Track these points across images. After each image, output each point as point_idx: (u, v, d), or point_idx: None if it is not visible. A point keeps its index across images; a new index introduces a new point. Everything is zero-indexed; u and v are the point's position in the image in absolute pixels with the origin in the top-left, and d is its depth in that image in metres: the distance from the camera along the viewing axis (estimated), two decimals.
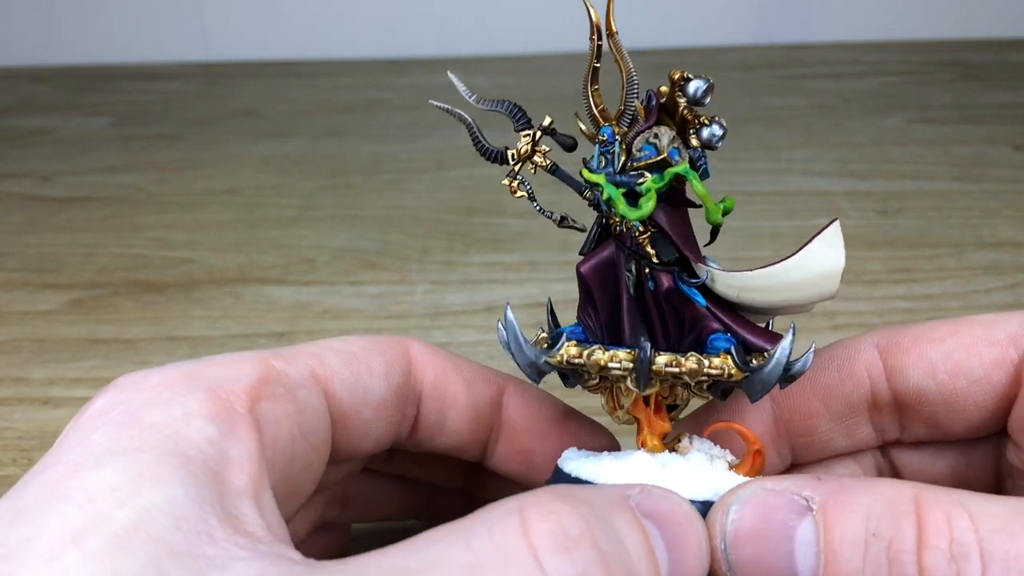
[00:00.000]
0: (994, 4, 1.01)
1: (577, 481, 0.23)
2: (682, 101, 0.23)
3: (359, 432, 0.25)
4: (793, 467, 0.27)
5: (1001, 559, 0.17)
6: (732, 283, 0.24)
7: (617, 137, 0.24)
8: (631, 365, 0.24)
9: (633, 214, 0.22)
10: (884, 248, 0.54)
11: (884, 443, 0.27)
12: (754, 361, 0.24)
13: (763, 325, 0.25)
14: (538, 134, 0.25)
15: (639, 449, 0.25)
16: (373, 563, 0.17)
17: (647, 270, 0.24)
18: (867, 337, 0.26)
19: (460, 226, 0.60)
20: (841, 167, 0.68)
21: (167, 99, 0.93)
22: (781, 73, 0.93)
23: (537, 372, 0.25)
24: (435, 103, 0.25)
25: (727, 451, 0.25)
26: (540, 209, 0.25)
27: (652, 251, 0.24)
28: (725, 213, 0.24)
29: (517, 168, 0.25)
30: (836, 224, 0.23)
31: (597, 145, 0.24)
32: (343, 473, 0.27)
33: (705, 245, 0.25)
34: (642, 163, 0.23)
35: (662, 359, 0.24)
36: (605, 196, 0.23)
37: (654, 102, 0.23)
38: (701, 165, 0.23)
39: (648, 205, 0.22)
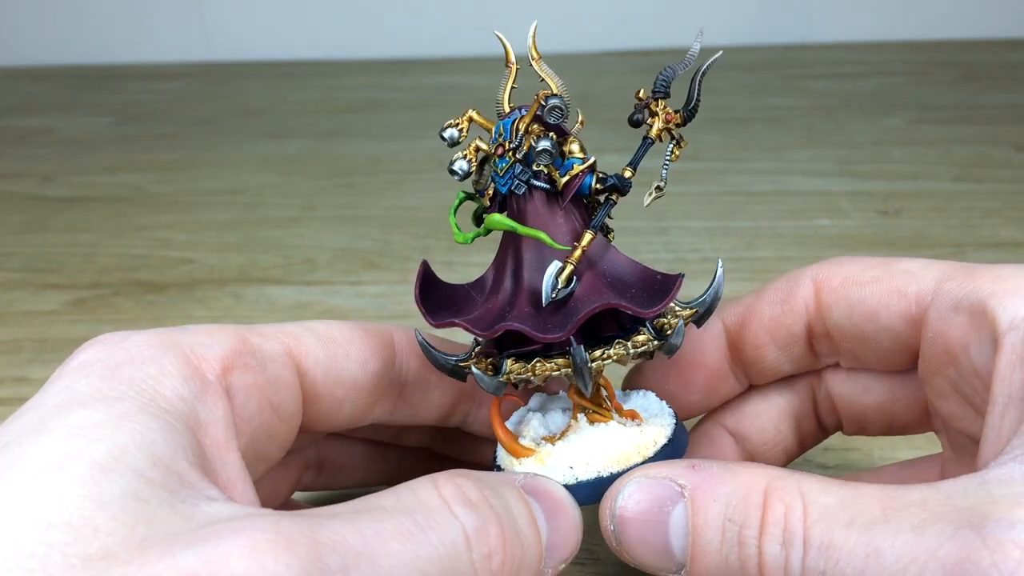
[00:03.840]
0: (994, 4, 1.01)
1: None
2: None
3: (330, 410, 0.27)
4: (750, 388, 0.30)
5: (818, 545, 0.20)
6: None
7: None
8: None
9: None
10: (885, 248, 0.54)
11: (826, 366, 0.29)
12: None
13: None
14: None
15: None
16: (328, 510, 0.20)
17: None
18: (808, 270, 0.28)
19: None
20: (842, 167, 0.68)
21: (167, 99, 0.93)
22: (782, 73, 0.93)
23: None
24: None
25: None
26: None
27: None
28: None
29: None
30: None
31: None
32: (310, 438, 0.29)
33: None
34: None
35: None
36: None
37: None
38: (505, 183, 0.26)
39: None
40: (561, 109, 0.25)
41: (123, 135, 0.82)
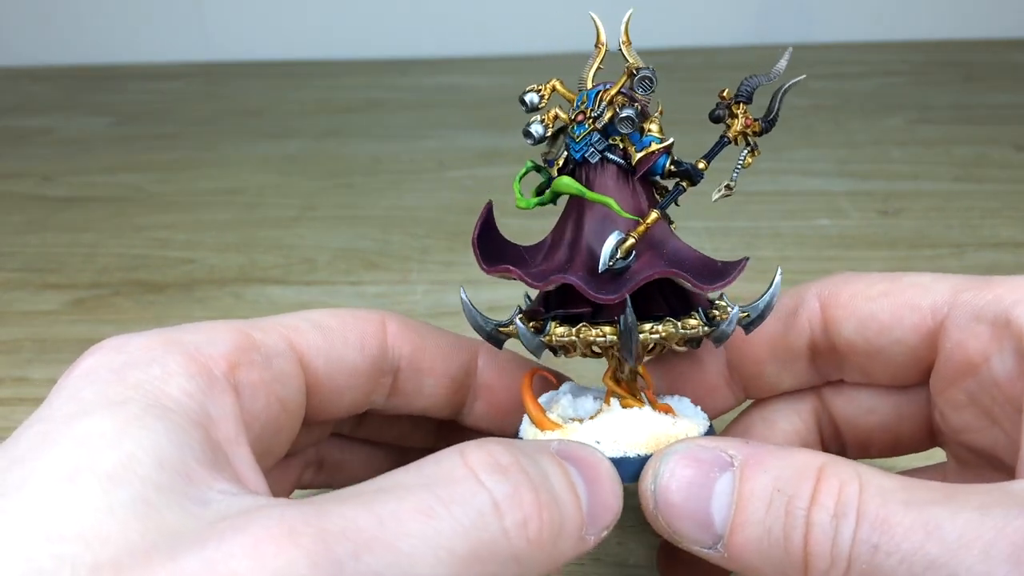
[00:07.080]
0: (994, 4, 1.01)
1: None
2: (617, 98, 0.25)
3: (332, 399, 0.26)
4: (756, 410, 0.30)
5: (872, 519, 0.19)
6: None
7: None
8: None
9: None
10: (884, 248, 0.54)
11: (827, 382, 0.29)
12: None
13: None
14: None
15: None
16: (345, 492, 0.19)
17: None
18: (812, 287, 0.28)
19: (461, 226, 0.60)
20: (842, 167, 0.68)
21: (167, 99, 0.93)
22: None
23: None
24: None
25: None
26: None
27: None
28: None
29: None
30: None
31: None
32: (315, 436, 0.29)
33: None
34: None
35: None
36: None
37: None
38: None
39: None
40: (651, 79, 0.25)
41: (123, 135, 0.82)
